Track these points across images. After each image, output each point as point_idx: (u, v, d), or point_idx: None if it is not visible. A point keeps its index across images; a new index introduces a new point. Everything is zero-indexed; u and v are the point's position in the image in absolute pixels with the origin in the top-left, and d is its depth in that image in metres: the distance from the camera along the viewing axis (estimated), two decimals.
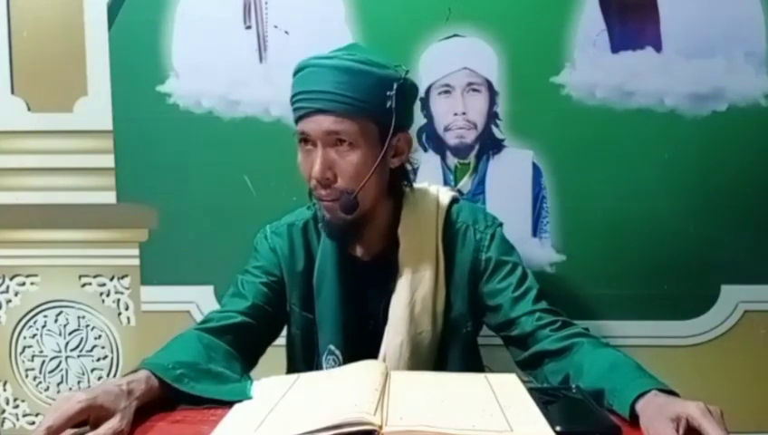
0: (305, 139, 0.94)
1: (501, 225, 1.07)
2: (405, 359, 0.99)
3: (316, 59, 0.93)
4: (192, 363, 0.80)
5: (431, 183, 1.13)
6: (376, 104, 0.91)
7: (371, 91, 0.91)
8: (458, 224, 1.04)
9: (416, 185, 1.07)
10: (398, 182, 1.03)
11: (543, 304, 0.98)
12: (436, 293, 1.01)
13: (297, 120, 0.95)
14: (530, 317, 0.96)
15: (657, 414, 0.69)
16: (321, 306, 1.02)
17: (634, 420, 0.71)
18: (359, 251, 1.04)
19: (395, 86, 0.92)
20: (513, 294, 0.99)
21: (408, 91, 0.96)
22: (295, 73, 0.96)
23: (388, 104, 0.91)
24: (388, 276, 1.01)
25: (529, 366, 0.97)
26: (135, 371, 0.77)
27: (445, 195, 1.07)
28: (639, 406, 0.72)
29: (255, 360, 1.00)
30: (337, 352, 1.00)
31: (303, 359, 1.08)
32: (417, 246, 1.01)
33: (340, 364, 0.99)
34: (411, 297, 0.99)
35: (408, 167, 1.04)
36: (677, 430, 0.65)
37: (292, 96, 0.95)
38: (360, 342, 1.01)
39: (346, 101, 0.90)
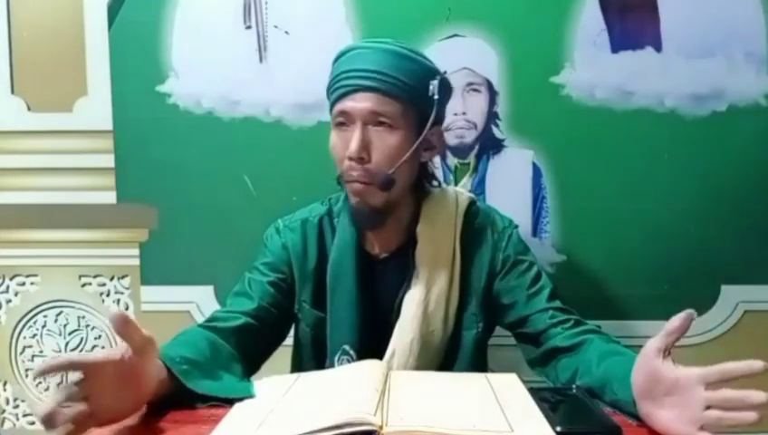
0: (342, 122, 0.93)
1: (517, 226, 1.08)
2: (414, 356, 0.98)
3: (363, 42, 0.96)
4: (196, 362, 0.79)
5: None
6: (420, 90, 0.93)
7: (416, 75, 0.93)
8: (476, 225, 1.05)
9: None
10: (422, 179, 1.04)
11: (557, 303, 0.98)
12: (450, 292, 1.01)
13: (335, 101, 0.94)
14: (543, 314, 0.97)
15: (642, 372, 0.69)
16: (336, 305, 1.01)
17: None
18: (376, 248, 1.04)
19: (438, 77, 0.95)
20: (528, 292, 1.00)
21: (447, 87, 0.99)
22: (337, 59, 0.96)
23: (431, 93, 0.93)
24: (403, 274, 1.01)
25: (541, 364, 0.97)
26: None
27: (463, 196, 1.08)
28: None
29: (258, 364, 0.98)
30: (351, 351, 0.99)
31: (313, 356, 1.06)
32: (434, 246, 1.01)
33: None
34: (425, 296, 0.99)
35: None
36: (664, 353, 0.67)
37: (333, 78, 0.95)
38: (372, 339, 1.00)
39: (391, 81, 0.91)
